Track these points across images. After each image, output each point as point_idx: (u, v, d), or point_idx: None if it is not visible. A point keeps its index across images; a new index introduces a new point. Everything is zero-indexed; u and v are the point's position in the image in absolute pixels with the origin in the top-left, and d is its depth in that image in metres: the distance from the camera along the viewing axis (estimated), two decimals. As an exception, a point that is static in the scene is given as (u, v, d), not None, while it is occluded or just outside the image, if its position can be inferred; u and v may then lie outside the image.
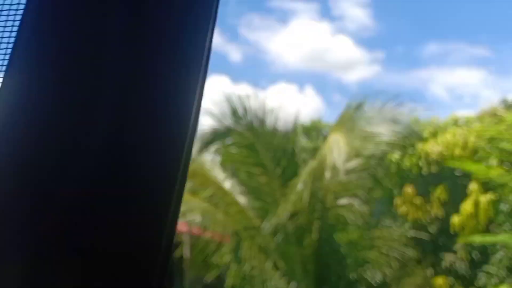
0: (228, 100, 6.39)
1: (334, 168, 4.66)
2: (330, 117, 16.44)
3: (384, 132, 6.32)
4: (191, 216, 6.58)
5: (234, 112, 6.40)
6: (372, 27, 38.83)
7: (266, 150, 6.58)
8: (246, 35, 39.69)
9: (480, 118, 11.39)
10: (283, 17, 40.80)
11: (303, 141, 14.10)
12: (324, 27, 41.04)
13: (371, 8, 37.27)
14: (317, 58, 41.91)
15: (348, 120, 6.05)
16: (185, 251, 8.15)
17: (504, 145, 9.11)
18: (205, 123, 6.54)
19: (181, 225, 7.50)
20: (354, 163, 5.77)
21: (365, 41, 39.38)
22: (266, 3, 39.36)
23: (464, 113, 12.78)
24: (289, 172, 6.76)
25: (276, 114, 6.57)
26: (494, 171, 7.35)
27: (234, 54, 40.11)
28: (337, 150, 4.65)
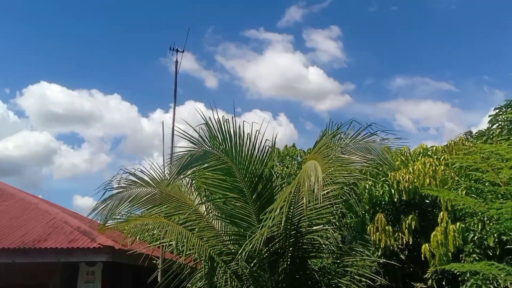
0: (206, 124, 6.44)
1: (310, 194, 4.73)
2: (303, 144, 16.69)
3: (357, 160, 6.46)
4: (165, 240, 6.52)
5: (211, 136, 6.45)
6: (343, 59, 39.80)
7: (243, 174, 6.63)
8: (222, 63, 39.95)
9: (448, 148, 11.78)
10: (258, 46, 41.36)
11: (278, 167, 14.25)
12: (297, 58, 41.77)
13: (342, 42, 38.29)
14: (290, 87, 42.30)
15: (325, 147, 6.17)
16: (158, 275, 8.05)
17: (473, 174, 9.42)
18: (183, 146, 6.57)
19: (155, 250, 7.44)
20: (328, 189, 5.88)
21: (336, 72, 40.15)
22: (241, 33, 39.76)
23: (431, 143, 13.18)
24: (265, 197, 6.81)
25: (252, 140, 6.63)
26: (463, 200, 7.56)
27: (210, 80, 40.24)
28: (314, 176, 4.74)
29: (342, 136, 6.84)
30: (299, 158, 16.60)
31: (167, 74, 36.55)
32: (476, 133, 11.66)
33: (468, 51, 37.25)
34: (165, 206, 7.24)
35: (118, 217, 6.97)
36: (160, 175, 7.53)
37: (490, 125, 10.39)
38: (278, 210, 4.99)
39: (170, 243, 6.67)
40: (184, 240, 6.42)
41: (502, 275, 6.11)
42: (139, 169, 7.41)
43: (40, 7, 38.20)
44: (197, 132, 6.49)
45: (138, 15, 39.28)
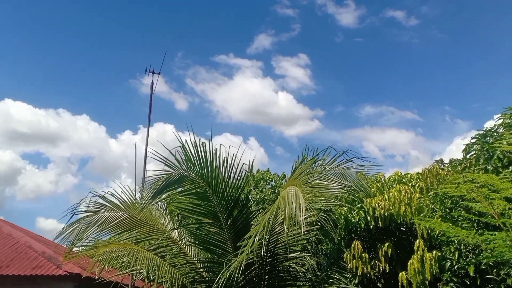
0: (182, 147, 6.27)
1: (291, 221, 4.58)
2: (274, 169, 16.65)
3: (334, 186, 6.36)
4: (135, 267, 6.22)
5: (188, 159, 6.27)
6: (311, 86, 40.71)
7: (218, 199, 6.44)
8: (192, 86, 40.12)
9: (423, 176, 11.84)
10: (228, 71, 41.86)
11: (253, 191, 14.06)
12: (267, 83, 42.48)
13: (311, 69, 39.28)
14: (260, 112, 42.76)
15: (305, 174, 6.07)
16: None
17: (447, 202, 9.45)
18: (157, 169, 6.35)
19: (125, 277, 7.10)
20: (306, 215, 5.73)
21: (305, 99, 40.96)
22: (211, 58, 40.27)
23: (397, 170, 13.29)
24: (241, 222, 6.62)
25: (228, 164, 6.49)
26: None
27: (180, 103, 40.23)
28: (296, 202, 4.60)
29: (319, 162, 6.74)
30: (273, 182, 16.49)
31: (136, 95, 36.39)
32: (453, 161, 11.78)
33: (430, 82, 38.73)
34: (136, 231, 6.95)
35: (86, 242, 6.64)
36: (131, 198, 7.26)
37: (465, 154, 10.51)
38: (256, 237, 4.81)
39: (141, 270, 6.37)
40: (156, 268, 6.15)
41: None
42: (109, 192, 7.13)
43: (6, 22, 37.60)
44: (173, 155, 6.31)
45: (108, 36, 39.20)
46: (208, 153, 6.30)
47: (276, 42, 40.59)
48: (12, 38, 38.11)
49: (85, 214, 6.80)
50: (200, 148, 6.26)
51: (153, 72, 10.61)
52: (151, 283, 6.31)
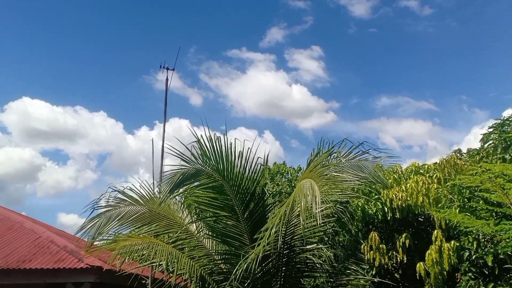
0: (198, 142, 6.35)
1: (307, 213, 4.62)
2: (290, 162, 16.66)
3: (350, 178, 6.36)
4: (155, 259, 6.34)
5: (203, 154, 6.35)
6: (325, 79, 40.42)
7: (235, 192, 6.51)
8: (206, 81, 40.21)
9: (440, 166, 11.74)
10: (241, 66, 41.80)
11: (269, 184, 14.12)
12: (281, 76, 42.32)
13: (324, 62, 39.00)
14: (274, 105, 42.63)
15: (320, 166, 6.09)
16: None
17: (465, 192, 9.38)
18: (175, 164, 6.45)
19: (145, 269, 7.24)
20: (322, 207, 5.76)
21: (319, 91, 40.70)
22: (224, 53, 40.25)
23: (413, 161, 13.19)
24: (257, 215, 6.69)
25: (244, 157, 6.56)
26: (454, 217, 7.47)
27: (195, 98, 40.41)
28: (311, 195, 4.64)
29: (334, 154, 6.75)
30: (289, 175, 16.52)
31: (151, 91, 36.56)
32: (470, 151, 11.65)
33: (446, 72, 38.06)
34: (155, 224, 7.07)
35: (106, 236, 6.79)
36: (150, 193, 7.38)
37: (482, 144, 10.39)
38: (273, 230, 4.86)
39: (160, 263, 6.49)
40: (175, 260, 6.25)
41: None
42: (128, 187, 7.26)
43: (22, 22, 38.07)
44: (189, 150, 6.39)
45: (121, 33, 39.31)
46: (223, 148, 6.37)
47: (288, 35, 40.33)
48: (26, 36, 38.64)
49: (105, 209, 6.94)
50: (215, 142, 6.33)
51: (167, 68, 10.64)
52: (171, 274, 6.43)
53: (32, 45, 38.53)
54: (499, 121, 10.03)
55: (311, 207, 4.54)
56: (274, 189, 14.14)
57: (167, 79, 10.55)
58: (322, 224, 6.59)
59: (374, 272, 10.37)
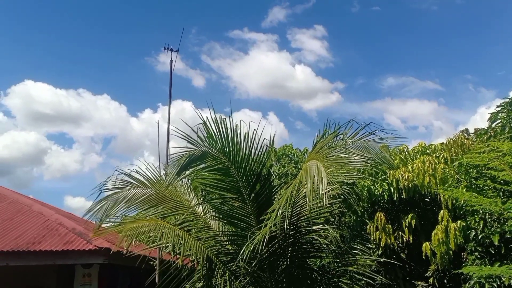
0: (204, 124, 6.33)
1: (313, 194, 4.62)
2: (295, 144, 16.66)
3: (356, 159, 6.34)
4: (162, 241, 6.39)
5: (209, 136, 6.33)
6: (329, 59, 39.88)
7: (241, 174, 6.52)
8: (208, 62, 39.85)
9: (447, 146, 11.68)
10: (243, 46, 41.37)
11: (275, 166, 14.13)
12: (284, 56, 41.81)
13: (328, 41, 38.38)
14: (278, 86, 42.33)
15: (326, 147, 6.07)
16: (156, 277, 7.91)
17: (472, 172, 9.33)
18: (181, 147, 6.44)
19: (152, 251, 7.31)
20: (328, 189, 5.76)
21: (323, 72, 40.31)
22: (225, 33, 39.79)
23: (420, 141, 13.07)
24: (263, 197, 6.70)
25: (249, 139, 6.54)
26: (462, 195, 7.44)
27: (197, 80, 40.16)
28: (318, 176, 4.63)
29: (340, 136, 6.72)
30: (295, 157, 16.50)
31: (153, 73, 36.50)
32: (477, 130, 11.55)
33: (451, 51, 37.47)
34: (162, 207, 7.11)
35: (114, 218, 6.85)
36: (156, 175, 7.41)
37: (490, 123, 10.30)
38: (279, 211, 4.88)
39: (167, 244, 6.55)
40: (181, 242, 6.30)
41: None
42: (134, 170, 7.28)
43: (23, 4, 37.83)
44: (195, 132, 6.38)
45: (122, 14, 39.13)
46: (229, 130, 6.34)
47: (290, 14, 39.83)
48: (27, 19, 38.46)
49: (112, 192, 6.98)
50: (221, 124, 6.31)
51: (171, 50, 10.49)
52: (178, 256, 6.49)
53: (33, 28, 38.49)
54: (507, 100, 9.92)
55: (317, 188, 4.54)
56: (280, 171, 14.15)
57: (171, 61, 10.44)
58: (328, 205, 6.59)
59: (380, 252, 10.42)
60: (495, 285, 8.23)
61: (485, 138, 10.00)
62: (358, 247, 7.58)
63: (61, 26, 39.60)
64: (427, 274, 10.53)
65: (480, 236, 8.92)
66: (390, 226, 10.49)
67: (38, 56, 40.22)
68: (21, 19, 38.36)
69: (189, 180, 7.82)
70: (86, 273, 9.71)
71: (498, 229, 8.56)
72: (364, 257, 7.42)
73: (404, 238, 10.56)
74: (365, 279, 7.12)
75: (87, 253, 8.89)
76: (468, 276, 8.64)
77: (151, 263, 8.42)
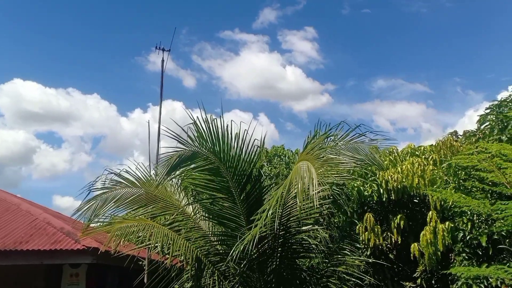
0: (194, 124, 6.31)
1: (303, 195, 4.63)
2: (285, 145, 16.73)
3: (346, 160, 6.38)
4: (151, 241, 6.37)
5: (200, 136, 6.32)
6: (320, 60, 40.05)
7: (231, 174, 6.51)
8: (199, 63, 39.78)
9: (436, 148, 11.76)
10: (234, 47, 41.37)
11: (266, 167, 14.14)
12: (275, 57, 41.91)
13: (318, 43, 38.53)
14: (269, 87, 42.44)
15: (317, 148, 6.09)
16: (145, 277, 7.87)
17: (461, 173, 9.41)
18: (171, 146, 6.42)
19: (141, 251, 7.28)
20: (319, 189, 5.78)
21: (314, 73, 40.47)
22: (216, 34, 39.73)
23: (409, 143, 13.15)
24: (254, 197, 6.71)
25: (240, 139, 6.54)
26: (450, 196, 7.50)
27: (188, 80, 40.05)
28: (308, 177, 4.65)
29: (331, 137, 6.76)
30: (286, 158, 16.52)
31: (143, 72, 36.32)
32: (466, 132, 11.64)
33: (440, 54, 37.83)
34: (151, 206, 7.09)
35: (103, 218, 6.80)
36: (146, 175, 7.38)
37: (479, 125, 10.39)
38: (269, 211, 4.88)
39: (156, 245, 6.52)
40: (171, 242, 6.27)
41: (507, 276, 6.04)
42: (124, 170, 7.25)
43: (12, 2, 37.41)
44: (185, 132, 6.36)
45: (112, 14, 38.85)
46: (219, 129, 6.34)
47: (281, 15, 39.90)
48: (16, 17, 38.07)
49: (102, 191, 6.94)
50: (211, 124, 6.30)
51: (163, 49, 10.48)
52: (167, 256, 6.46)
53: (22, 26, 38.05)
54: (496, 102, 10.02)
55: (307, 189, 4.55)
56: (272, 172, 14.16)
57: (162, 60, 10.43)
58: (318, 206, 6.58)
59: (368, 253, 10.47)
60: (483, 286, 8.31)
61: (473, 140, 10.08)
62: (347, 248, 7.62)
63: (50, 25, 39.26)
64: (415, 275, 10.60)
65: (468, 237, 8.99)
66: (379, 226, 10.55)
67: (27, 54, 39.82)
68: (10, 18, 37.96)
69: (179, 180, 7.80)
70: (74, 273, 9.64)
71: (486, 230, 8.64)
72: (353, 257, 7.46)
73: (393, 239, 10.63)
74: (354, 279, 7.16)
75: (75, 252, 8.82)
76: (456, 277, 8.71)
77: (140, 263, 8.38)
